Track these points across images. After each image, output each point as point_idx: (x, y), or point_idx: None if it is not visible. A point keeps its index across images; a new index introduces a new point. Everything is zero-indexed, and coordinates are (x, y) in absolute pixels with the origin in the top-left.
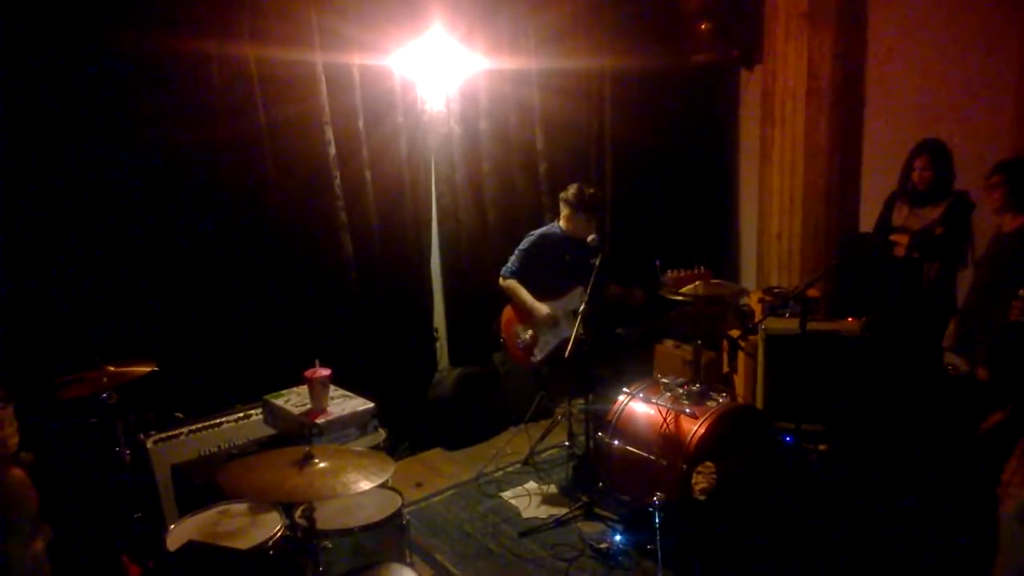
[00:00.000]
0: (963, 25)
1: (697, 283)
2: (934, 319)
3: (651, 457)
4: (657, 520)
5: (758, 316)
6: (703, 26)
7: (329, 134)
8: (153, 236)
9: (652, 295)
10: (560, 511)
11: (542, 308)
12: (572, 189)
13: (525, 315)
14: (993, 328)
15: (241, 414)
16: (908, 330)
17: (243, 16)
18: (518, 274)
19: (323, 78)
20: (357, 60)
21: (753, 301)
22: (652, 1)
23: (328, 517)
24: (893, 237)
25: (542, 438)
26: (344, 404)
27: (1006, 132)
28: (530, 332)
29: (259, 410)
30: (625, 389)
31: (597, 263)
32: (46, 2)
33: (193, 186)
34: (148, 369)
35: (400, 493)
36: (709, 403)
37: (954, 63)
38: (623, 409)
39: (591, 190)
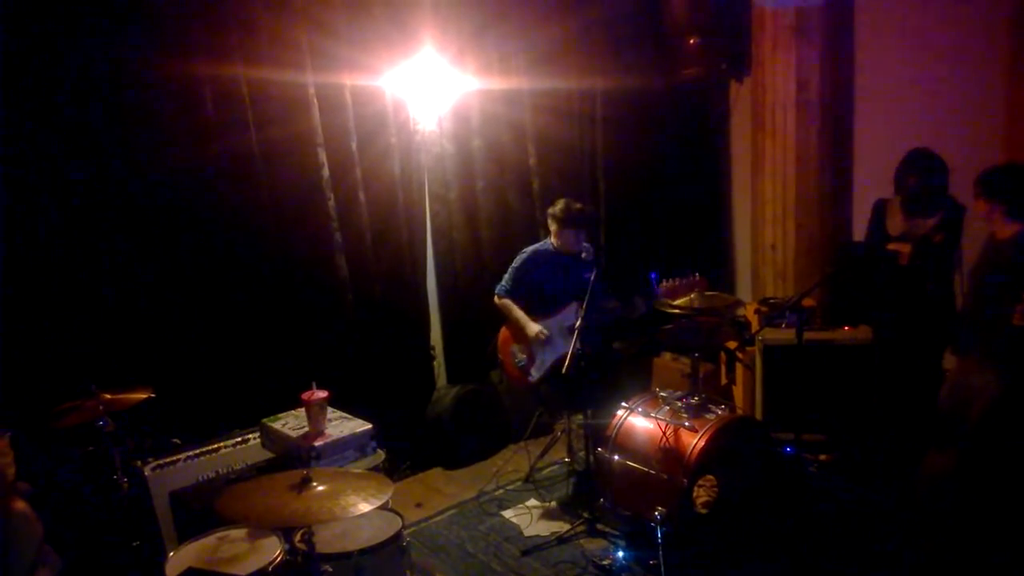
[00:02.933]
0: (951, 33)
1: (693, 295)
2: (938, 325)
3: (651, 472)
4: (659, 535)
5: (755, 327)
6: (691, 41)
7: (322, 156)
8: (146, 261)
9: (649, 308)
10: (562, 528)
11: (532, 327)
12: (560, 204)
13: (520, 334)
14: (993, 334)
15: (239, 438)
16: (915, 337)
17: (234, 37)
18: (511, 292)
19: (315, 99)
20: (349, 81)
21: (749, 312)
22: (640, 18)
23: (328, 540)
24: (894, 246)
25: (542, 455)
26: (342, 426)
27: (997, 138)
28: (526, 352)
29: (257, 434)
30: (624, 403)
31: (592, 278)
32: (34, 25)
33: (186, 210)
34: (144, 395)
35: (400, 514)
36: (708, 416)
37: (943, 70)
38: (622, 424)
39: (578, 205)
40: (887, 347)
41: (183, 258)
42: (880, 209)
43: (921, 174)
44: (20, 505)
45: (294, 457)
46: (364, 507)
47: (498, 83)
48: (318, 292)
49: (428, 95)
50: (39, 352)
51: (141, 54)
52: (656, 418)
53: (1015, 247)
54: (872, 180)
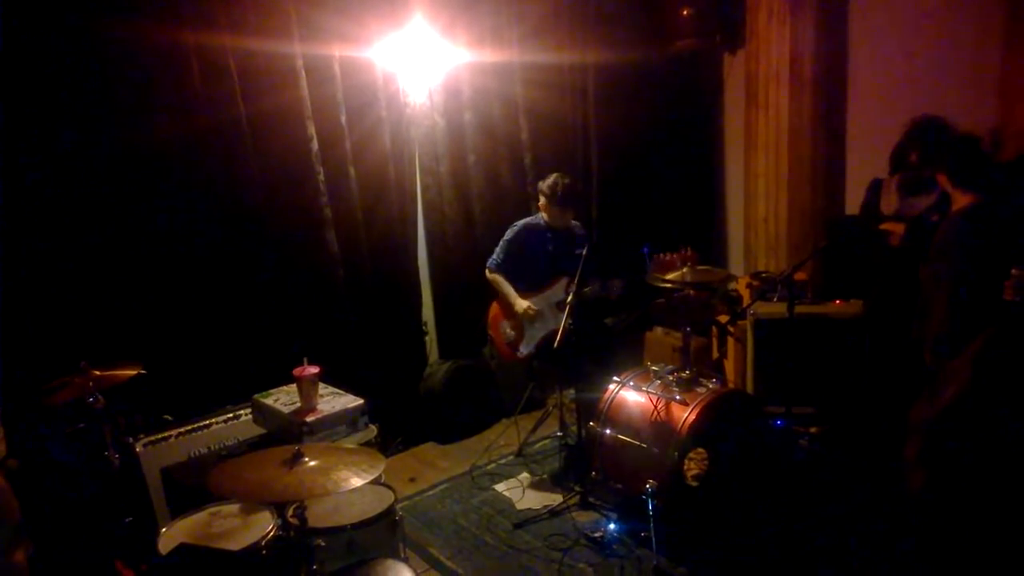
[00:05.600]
0: (945, 5)
1: (685, 269)
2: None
3: (642, 445)
4: (650, 507)
5: (746, 301)
6: (684, 12)
7: (311, 129)
8: (134, 235)
9: (640, 283)
10: (554, 501)
11: (520, 303)
12: (549, 180)
13: (510, 310)
14: (931, 315)
15: (231, 414)
16: (904, 317)
17: (220, 7)
18: (503, 266)
19: (303, 71)
20: (337, 52)
21: (741, 286)
22: None
23: (321, 515)
24: (887, 226)
25: (534, 429)
26: (334, 401)
27: (990, 110)
28: (514, 327)
29: (248, 410)
30: (615, 378)
31: (584, 253)
32: None
33: (174, 183)
34: (134, 372)
35: (393, 488)
36: (699, 389)
37: (937, 43)
38: (613, 398)
39: (567, 180)
40: (878, 324)
41: (171, 233)
42: (875, 188)
43: (923, 149)
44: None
45: (286, 433)
46: (356, 481)
47: (490, 55)
48: (309, 267)
49: (418, 67)
50: (29, 328)
51: (126, 24)
52: (647, 392)
53: (951, 224)
54: (865, 154)
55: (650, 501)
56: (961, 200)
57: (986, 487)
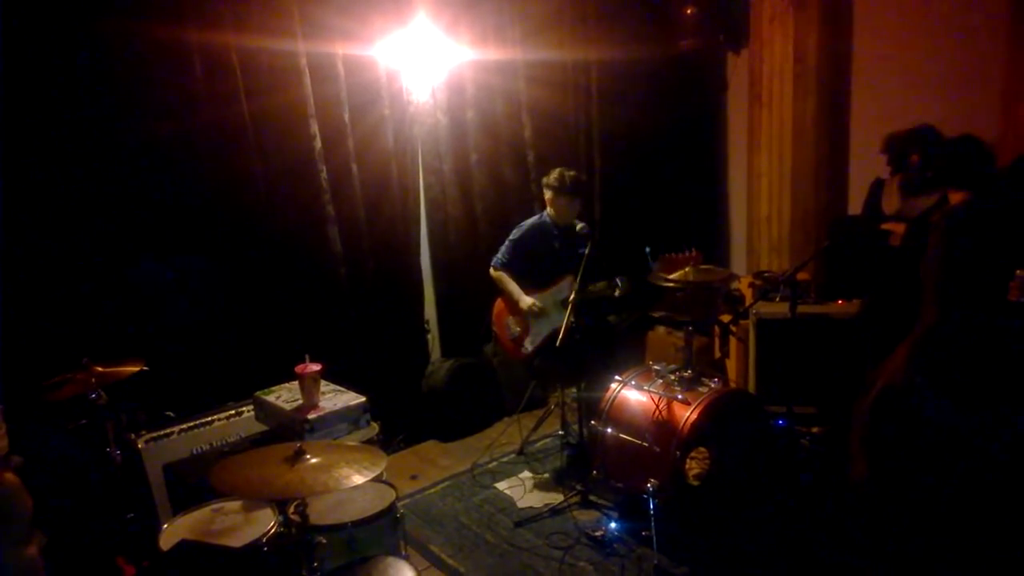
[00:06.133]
0: (950, 3)
1: (687, 269)
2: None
3: (644, 444)
4: (651, 506)
5: (749, 301)
6: (688, 11)
7: (314, 127)
8: (136, 233)
9: (642, 282)
10: (555, 500)
11: (526, 300)
12: (554, 173)
13: (515, 307)
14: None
15: (232, 411)
16: (907, 318)
17: (224, 4)
18: (508, 265)
19: (307, 69)
20: (341, 50)
21: (744, 286)
22: None
23: (322, 512)
24: (888, 226)
25: (536, 428)
26: (336, 399)
27: (995, 110)
28: (520, 324)
29: (250, 407)
30: (617, 377)
31: (587, 252)
32: None
33: (176, 180)
34: (136, 368)
35: (394, 486)
36: (701, 389)
37: (942, 41)
38: (615, 397)
39: (572, 173)
40: (872, 323)
41: (174, 230)
42: (877, 188)
43: (924, 151)
44: (10, 477)
45: (288, 430)
46: (357, 479)
47: (493, 53)
48: (311, 265)
49: (421, 65)
50: (31, 325)
51: (128, 22)
52: (649, 391)
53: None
54: (868, 153)
55: (651, 500)
56: (953, 199)
57: (920, 470)
